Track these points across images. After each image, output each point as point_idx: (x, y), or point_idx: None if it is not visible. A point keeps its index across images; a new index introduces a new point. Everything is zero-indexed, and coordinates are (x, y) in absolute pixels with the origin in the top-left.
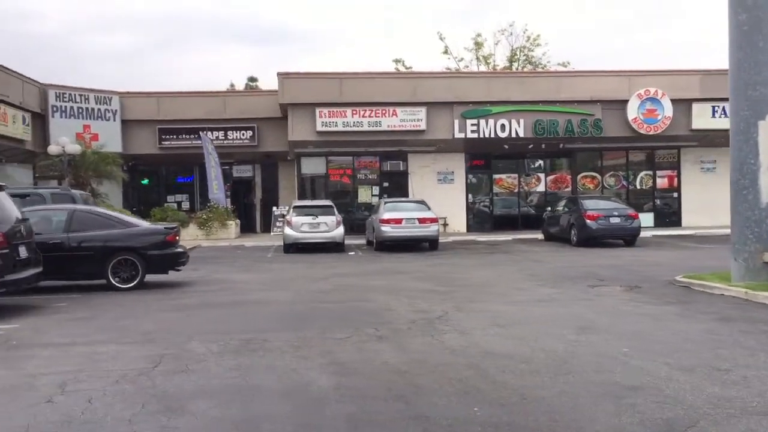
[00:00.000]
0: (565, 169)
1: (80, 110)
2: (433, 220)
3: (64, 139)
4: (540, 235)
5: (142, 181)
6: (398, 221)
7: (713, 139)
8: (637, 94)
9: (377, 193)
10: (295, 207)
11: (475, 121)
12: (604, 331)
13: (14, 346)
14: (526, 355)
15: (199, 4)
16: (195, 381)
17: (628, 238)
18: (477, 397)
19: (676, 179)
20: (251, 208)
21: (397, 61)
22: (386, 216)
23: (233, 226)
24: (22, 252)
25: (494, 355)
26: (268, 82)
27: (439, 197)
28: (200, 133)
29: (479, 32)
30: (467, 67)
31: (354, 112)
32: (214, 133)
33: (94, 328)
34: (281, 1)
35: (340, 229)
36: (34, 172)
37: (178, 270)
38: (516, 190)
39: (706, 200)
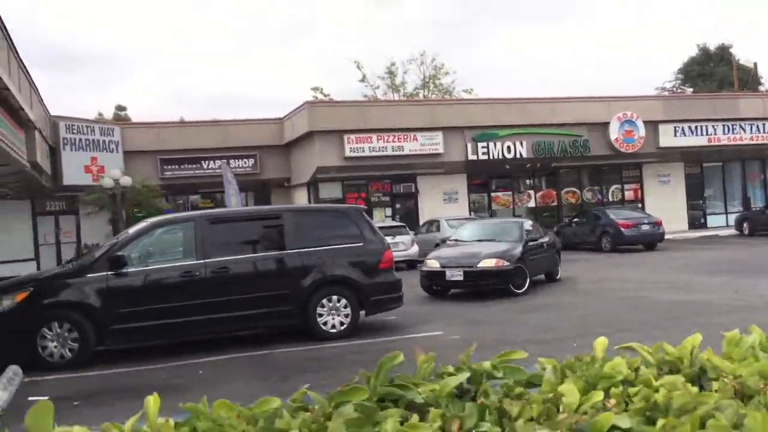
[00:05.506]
0: (551, 186)
1: (87, 142)
2: None
3: (116, 171)
4: None
5: (138, 213)
6: None
7: (670, 156)
8: (617, 117)
9: (390, 214)
10: None
11: (484, 144)
12: None
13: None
14: None
15: None
16: None
17: (655, 243)
18: None
19: (639, 191)
20: None
21: (315, 89)
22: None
23: None
24: None
25: None
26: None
27: (447, 215)
28: (221, 162)
29: (393, 62)
30: (385, 94)
31: (379, 137)
32: (216, 162)
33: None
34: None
35: (415, 248)
36: (32, 206)
37: None
38: (511, 207)
39: (663, 209)
